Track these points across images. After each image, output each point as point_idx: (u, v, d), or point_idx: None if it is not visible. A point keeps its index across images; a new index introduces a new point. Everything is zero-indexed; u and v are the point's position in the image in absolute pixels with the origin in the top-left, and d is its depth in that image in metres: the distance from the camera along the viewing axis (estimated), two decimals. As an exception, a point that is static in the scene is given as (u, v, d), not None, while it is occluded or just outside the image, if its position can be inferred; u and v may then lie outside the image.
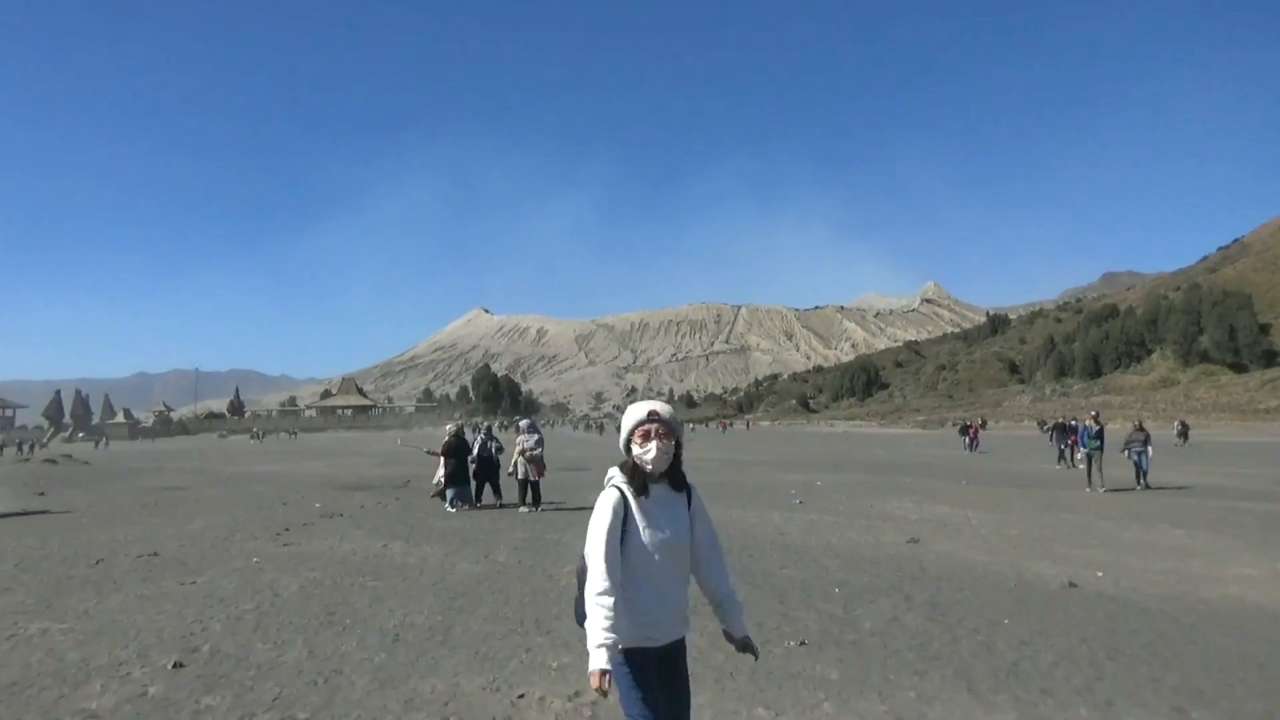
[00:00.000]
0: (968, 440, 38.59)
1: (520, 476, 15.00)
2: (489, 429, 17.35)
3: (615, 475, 3.03)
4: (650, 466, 2.95)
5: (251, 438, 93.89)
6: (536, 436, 15.26)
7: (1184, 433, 40.94)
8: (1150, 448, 17.92)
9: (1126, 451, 17.99)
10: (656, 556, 2.90)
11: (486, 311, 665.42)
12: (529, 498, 14.92)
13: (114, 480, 25.69)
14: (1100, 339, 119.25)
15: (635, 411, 3.07)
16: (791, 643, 5.97)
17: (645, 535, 2.90)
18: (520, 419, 16.65)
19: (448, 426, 16.78)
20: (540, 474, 15.06)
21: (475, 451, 15.78)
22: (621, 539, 2.89)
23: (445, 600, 7.40)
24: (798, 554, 9.88)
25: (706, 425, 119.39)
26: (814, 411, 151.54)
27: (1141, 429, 18.22)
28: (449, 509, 15.18)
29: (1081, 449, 18.00)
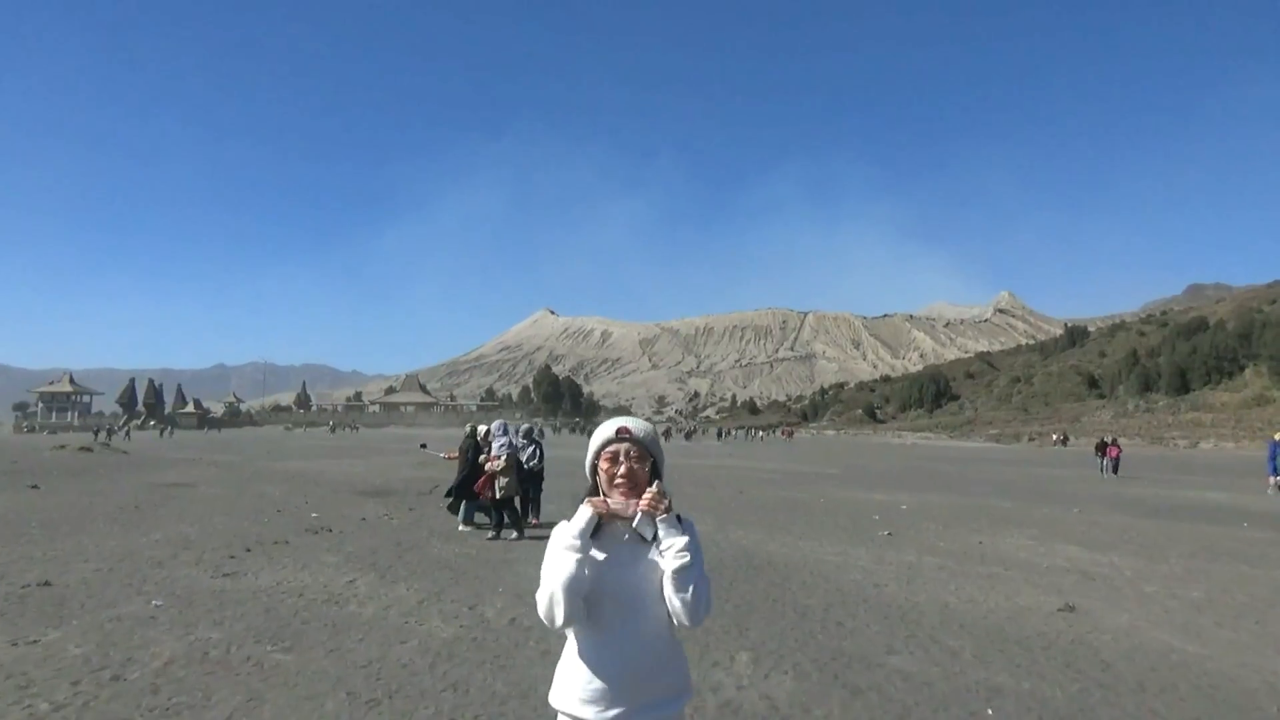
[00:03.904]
0: (1105, 461, 31.73)
1: (497, 495, 12.06)
2: (529, 430, 14.68)
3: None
4: (619, 495, 2.36)
5: (330, 430, 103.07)
6: (502, 440, 12.22)
7: None
8: None
9: None
10: (607, 607, 2.28)
11: (552, 313, 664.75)
12: (504, 521, 11.98)
13: (131, 473, 23.97)
14: (1188, 353, 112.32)
15: (604, 428, 2.48)
16: None
17: (603, 582, 2.27)
18: (496, 422, 13.50)
19: (466, 427, 14.18)
20: (514, 491, 12.17)
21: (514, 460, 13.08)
22: None
23: (361, 707, 4.72)
24: (905, 624, 6.99)
25: (769, 433, 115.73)
26: (880, 422, 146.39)
27: None
28: (461, 527, 12.64)
29: (1273, 475, 14.00)
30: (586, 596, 2.27)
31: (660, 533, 2.29)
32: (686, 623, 2.26)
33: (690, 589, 2.24)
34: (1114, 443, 32.24)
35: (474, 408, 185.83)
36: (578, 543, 2.25)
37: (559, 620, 2.23)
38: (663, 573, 2.28)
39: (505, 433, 12.45)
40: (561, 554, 2.25)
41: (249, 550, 10.14)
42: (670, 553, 2.26)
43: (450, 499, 13.23)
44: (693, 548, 2.28)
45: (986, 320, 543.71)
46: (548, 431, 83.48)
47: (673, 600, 2.25)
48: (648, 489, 2.34)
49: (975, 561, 10.38)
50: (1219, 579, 9.45)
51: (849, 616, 7.20)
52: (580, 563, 2.23)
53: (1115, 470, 30.68)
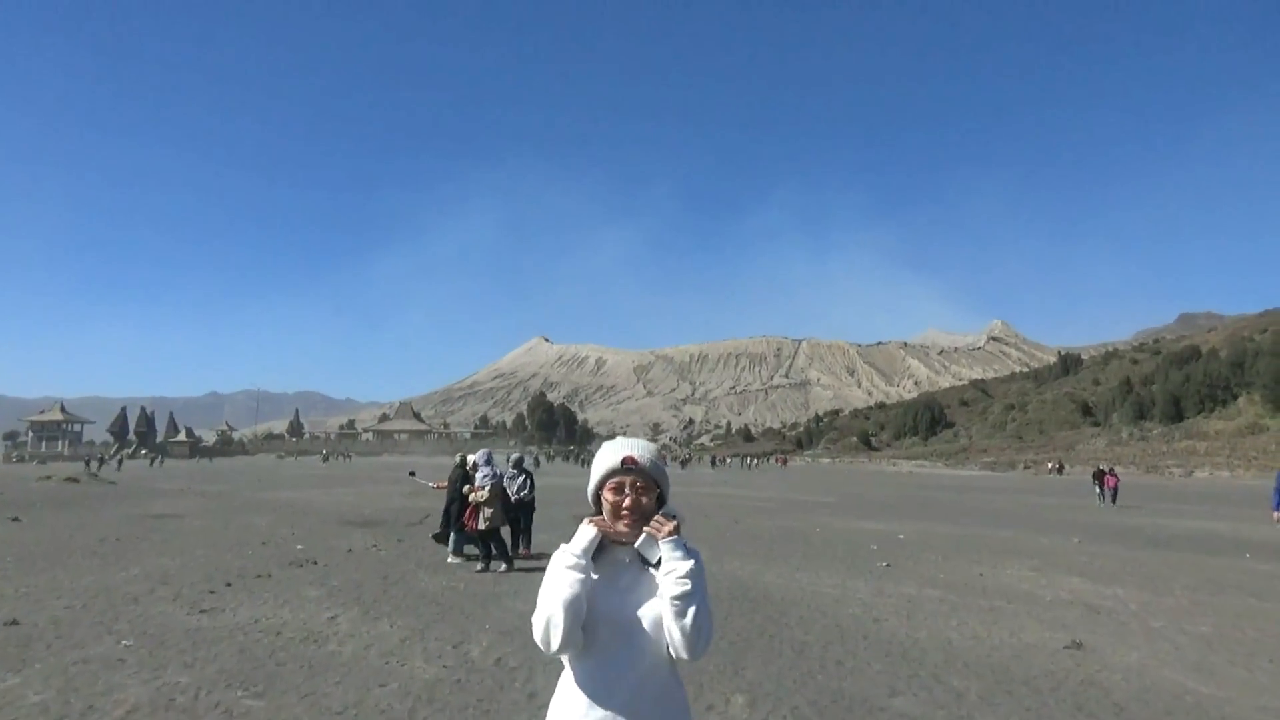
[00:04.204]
0: (1102, 490, 30.97)
1: (481, 526, 11.72)
2: (518, 460, 14.37)
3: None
4: (624, 528, 2.22)
5: (323, 459, 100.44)
6: (487, 470, 11.93)
7: None
8: None
9: None
10: (604, 633, 2.14)
11: (547, 340, 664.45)
12: (493, 553, 11.64)
13: (117, 504, 23.57)
14: (1181, 381, 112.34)
15: (607, 455, 2.29)
16: None
17: (601, 610, 2.14)
18: (480, 451, 13.21)
19: (456, 456, 13.89)
20: (500, 521, 11.86)
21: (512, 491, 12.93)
22: None
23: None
24: (908, 662, 6.71)
25: (765, 460, 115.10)
26: (875, 449, 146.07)
27: None
28: (450, 559, 12.35)
29: (1278, 509, 13.65)
30: (584, 622, 2.13)
31: (664, 555, 2.14)
32: (684, 654, 2.09)
33: (689, 617, 2.07)
34: (1111, 471, 31.82)
35: (468, 435, 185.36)
36: (581, 561, 2.13)
37: (555, 643, 2.08)
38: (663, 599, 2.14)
39: (489, 462, 12.18)
40: (563, 573, 2.12)
41: (229, 585, 9.83)
42: (671, 577, 2.10)
43: (439, 532, 13.00)
44: (695, 574, 2.12)
45: (980, 348, 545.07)
46: (542, 460, 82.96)
47: (671, 628, 2.09)
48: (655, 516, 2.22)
49: (976, 594, 10.12)
50: (1227, 613, 9.20)
51: (849, 654, 6.93)
52: (583, 583, 2.11)
53: (1114, 499, 30.34)
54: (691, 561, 2.13)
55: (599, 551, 2.19)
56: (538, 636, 2.11)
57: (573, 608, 2.08)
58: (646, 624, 2.14)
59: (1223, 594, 10.55)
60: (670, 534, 2.17)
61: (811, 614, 8.70)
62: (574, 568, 2.12)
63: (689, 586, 2.09)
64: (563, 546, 2.19)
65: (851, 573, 11.76)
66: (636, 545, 2.18)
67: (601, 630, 2.14)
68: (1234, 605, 9.72)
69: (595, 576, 2.16)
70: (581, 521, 2.24)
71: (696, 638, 2.08)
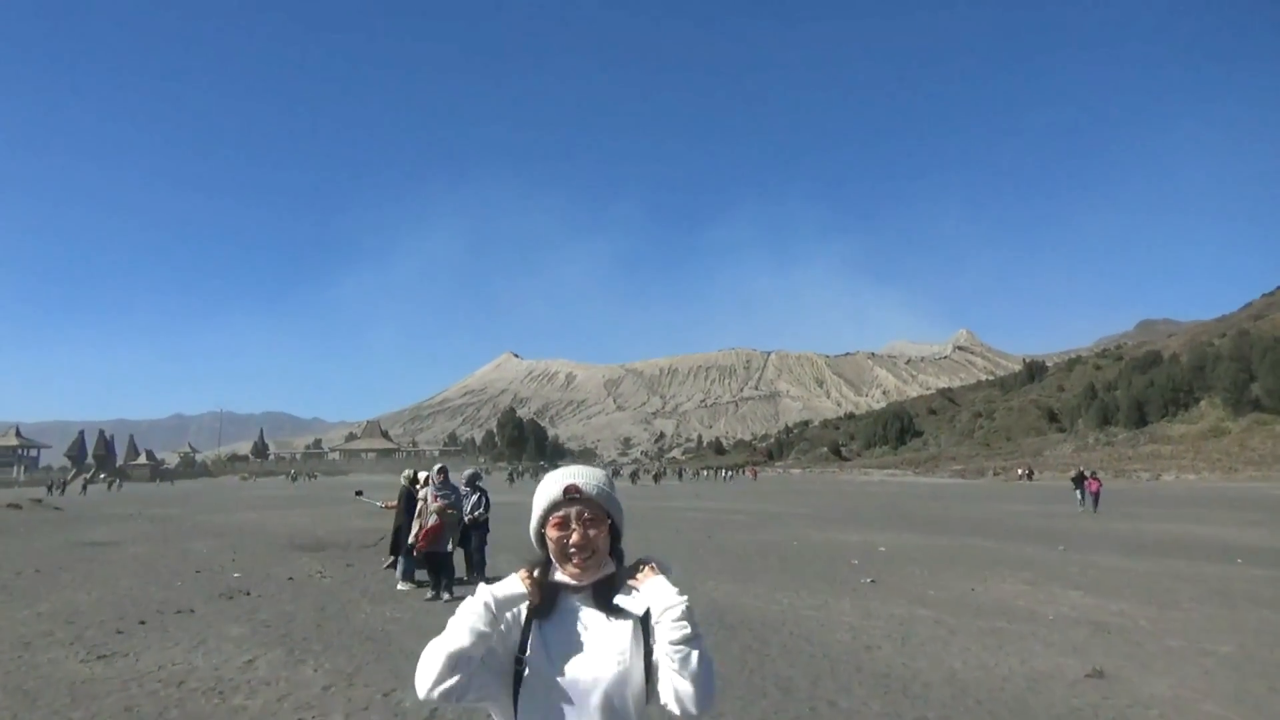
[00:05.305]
0: (1084, 495, 30.15)
1: (449, 548, 10.89)
2: (472, 476, 13.39)
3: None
4: (574, 568, 1.87)
5: (290, 479, 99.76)
6: (447, 490, 11.11)
7: None
8: None
9: None
10: (555, 696, 1.76)
11: (516, 356, 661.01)
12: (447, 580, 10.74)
13: (54, 531, 22.18)
14: (1145, 386, 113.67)
15: (548, 487, 1.94)
16: None
17: (552, 670, 1.77)
18: (435, 468, 12.28)
19: (403, 474, 12.84)
20: (454, 544, 11.05)
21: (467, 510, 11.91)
22: (516, 674, 1.79)
23: None
24: (910, 700, 5.81)
25: (737, 473, 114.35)
26: (846, 459, 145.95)
27: None
28: (400, 586, 11.34)
29: None
30: (534, 685, 1.78)
31: (654, 597, 1.81)
32: (692, 708, 1.75)
33: (695, 663, 1.74)
34: (1093, 476, 31.04)
35: (436, 453, 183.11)
36: (491, 614, 1.77)
37: (420, 688, 1.74)
38: (626, 657, 1.79)
39: (447, 482, 11.23)
40: (467, 614, 1.77)
41: (143, 623, 8.75)
42: (668, 619, 1.77)
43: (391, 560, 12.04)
44: (692, 614, 1.81)
45: (946, 357, 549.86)
46: (514, 477, 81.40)
47: (676, 680, 1.74)
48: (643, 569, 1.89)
49: (972, 614, 9.27)
50: (1246, 629, 8.43)
51: (842, 692, 6.03)
52: (484, 635, 1.75)
53: (1095, 505, 29.61)
54: (686, 598, 1.81)
55: (549, 603, 1.85)
56: (417, 675, 1.75)
57: (457, 655, 1.72)
58: (608, 684, 1.78)
59: (1235, 607, 9.80)
60: (652, 574, 1.87)
61: (795, 641, 7.80)
62: (483, 610, 1.76)
63: (689, 630, 1.77)
64: (483, 585, 1.83)
65: (834, 591, 10.88)
66: (616, 600, 1.86)
67: (552, 693, 1.78)
68: (1251, 620, 8.96)
69: (543, 636, 1.82)
70: (517, 572, 1.89)
71: (705, 686, 1.75)
